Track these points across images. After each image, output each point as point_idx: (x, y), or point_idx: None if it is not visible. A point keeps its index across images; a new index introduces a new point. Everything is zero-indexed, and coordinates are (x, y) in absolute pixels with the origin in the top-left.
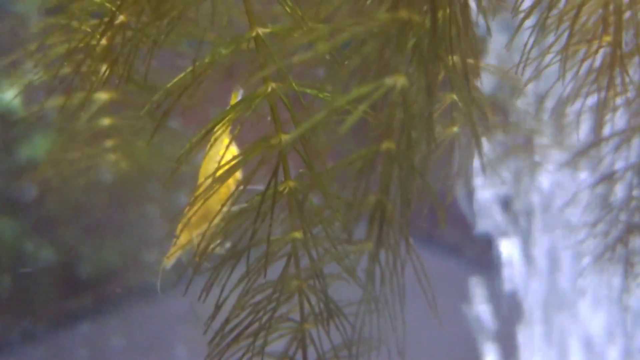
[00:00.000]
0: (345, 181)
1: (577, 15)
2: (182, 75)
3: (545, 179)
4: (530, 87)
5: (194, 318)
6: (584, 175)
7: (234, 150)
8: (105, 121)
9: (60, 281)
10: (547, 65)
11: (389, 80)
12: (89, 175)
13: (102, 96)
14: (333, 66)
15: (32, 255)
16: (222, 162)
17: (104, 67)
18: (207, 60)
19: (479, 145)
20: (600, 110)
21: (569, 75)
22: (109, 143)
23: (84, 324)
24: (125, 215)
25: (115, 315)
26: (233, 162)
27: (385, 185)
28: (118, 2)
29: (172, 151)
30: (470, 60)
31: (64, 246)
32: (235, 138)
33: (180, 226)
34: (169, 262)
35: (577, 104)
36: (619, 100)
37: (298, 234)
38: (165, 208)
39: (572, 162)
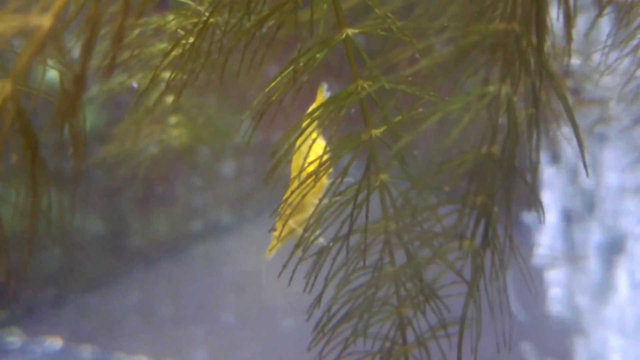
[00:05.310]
0: (447, 180)
1: None
2: (278, 78)
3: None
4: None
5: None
6: None
7: (322, 145)
8: (170, 99)
9: (109, 252)
10: (626, 55)
11: (493, 88)
12: (150, 149)
13: (167, 75)
14: (434, 74)
15: (81, 227)
16: (313, 157)
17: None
18: (301, 63)
19: (579, 138)
20: None
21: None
22: (173, 119)
23: (134, 293)
24: (172, 185)
25: (164, 285)
26: (326, 158)
27: (491, 188)
28: (210, 9)
29: (224, 125)
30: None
31: (112, 218)
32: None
33: (279, 220)
34: (270, 255)
35: None
36: None
37: (391, 224)
38: (211, 178)
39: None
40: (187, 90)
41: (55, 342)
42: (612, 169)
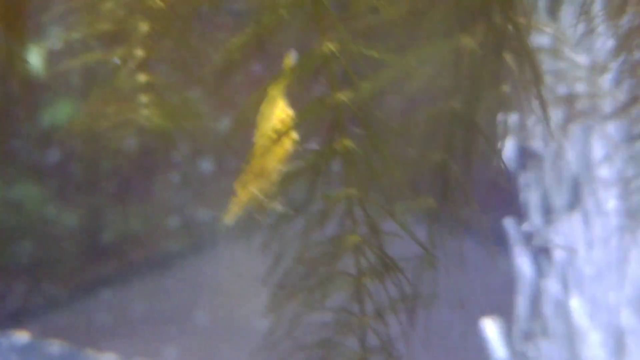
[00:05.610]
0: (406, 141)
1: None
2: (242, 36)
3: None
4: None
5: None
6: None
7: (287, 110)
8: (142, 78)
9: (83, 247)
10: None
11: (454, 41)
12: (118, 134)
13: (140, 53)
14: (396, 28)
15: (55, 220)
16: (277, 122)
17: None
18: (265, 21)
19: (545, 110)
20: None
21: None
22: (144, 99)
23: (107, 290)
24: (149, 181)
25: (137, 282)
26: (289, 123)
27: (450, 145)
28: None
29: (201, 109)
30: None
31: (87, 212)
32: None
33: (238, 184)
34: (229, 220)
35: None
36: None
37: (353, 191)
38: (188, 174)
39: (615, 116)
40: (161, 68)
41: (22, 336)
42: None
